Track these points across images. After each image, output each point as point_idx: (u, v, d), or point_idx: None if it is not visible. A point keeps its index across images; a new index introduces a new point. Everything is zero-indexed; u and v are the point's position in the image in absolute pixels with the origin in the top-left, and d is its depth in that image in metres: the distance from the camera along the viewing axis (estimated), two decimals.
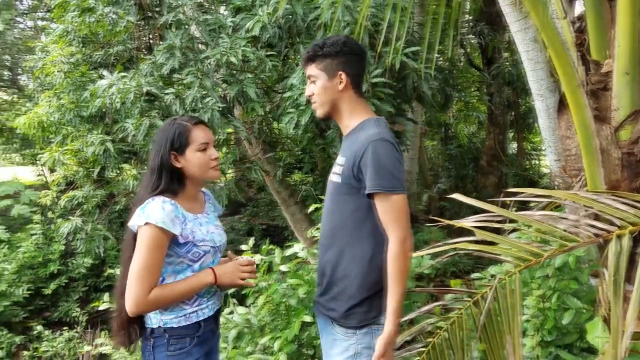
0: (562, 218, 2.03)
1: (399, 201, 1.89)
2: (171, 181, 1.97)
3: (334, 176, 2.07)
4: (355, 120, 2.06)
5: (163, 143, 1.97)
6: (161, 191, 1.94)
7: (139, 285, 1.83)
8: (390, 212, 1.89)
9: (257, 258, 3.47)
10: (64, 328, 7.06)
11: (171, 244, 1.91)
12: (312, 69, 2.06)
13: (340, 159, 2.05)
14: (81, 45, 6.00)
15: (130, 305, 1.84)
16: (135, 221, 1.89)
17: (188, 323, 1.95)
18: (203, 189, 2.23)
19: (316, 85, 2.06)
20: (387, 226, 1.89)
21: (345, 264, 2.00)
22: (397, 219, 1.88)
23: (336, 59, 2.03)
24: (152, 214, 1.85)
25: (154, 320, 1.95)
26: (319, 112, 2.11)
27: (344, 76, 2.03)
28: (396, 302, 1.87)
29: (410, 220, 1.92)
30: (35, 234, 8.07)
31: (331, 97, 2.05)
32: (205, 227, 2.03)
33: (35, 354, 6.73)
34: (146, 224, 1.85)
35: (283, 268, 3.39)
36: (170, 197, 1.94)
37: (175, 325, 1.94)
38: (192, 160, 1.98)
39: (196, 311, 1.98)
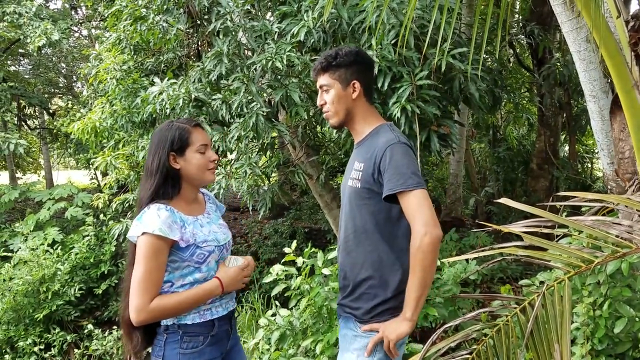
0: (614, 223, 1.95)
1: (419, 195, 1.90)
2: (167, 183, 1.97)
3: (352, 181, 2.09)
4: (369, 127, 2.12)
5: (162, 144, 1.97)
6: (157, 196, 1.95)
7: (140, 295, 1.84)
8: (413, 206, 1.90)
9: (300, 261, 3.49)
10: (114, 327, 7.16)
11: (174, 250, 1.91)
12: (326, 79, 2.11)
13: (357, 165, 2.08)
14: (133, 53, 6.16)
15: (132, 314, 1.85)
16: (133, 232, 1.90)
17: (202, 320, 1.96)
18: (202, 190, 2.22)
19: (329, 94, 2.11)
20: (411, 220, 1.91)
21: (369, 266, 2.03)
22: (420, 211, 1.89)
23: (350, 69, 2.08)
24: (148, 223, 1.86)
25: None
26: (333, 121, 2.15)
27: (357, 85, 2.09)
28: (414, 291, 1.88)
29: (436, 214, 1.91)
30: (88, 236, 8.18)
31: (345, 106, 2.10)
32: (207, 228, 2.03)
33: (85, 352, 6.87)
34: (143, 233, 1.86)
35: (325, 271, 3.40)
36: (166, 202, 1.94)
37: (189, 322, 1.95)
38: (191, 161, 1.99)
39: (210, 308, 2.00)
